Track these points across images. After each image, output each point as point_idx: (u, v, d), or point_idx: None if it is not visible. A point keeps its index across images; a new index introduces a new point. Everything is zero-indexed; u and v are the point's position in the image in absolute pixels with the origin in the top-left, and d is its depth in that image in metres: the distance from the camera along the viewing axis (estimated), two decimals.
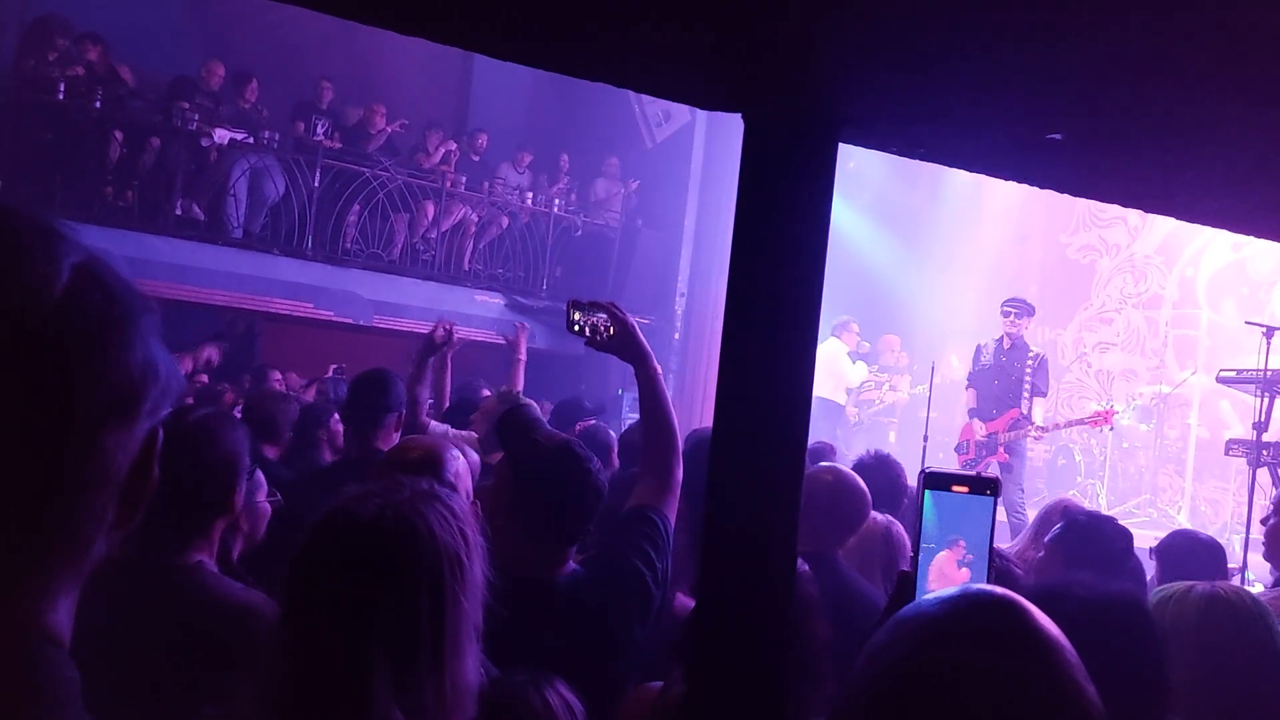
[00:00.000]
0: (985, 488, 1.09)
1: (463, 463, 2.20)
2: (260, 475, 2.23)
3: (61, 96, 8.41)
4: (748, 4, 1.22)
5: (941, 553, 1.06)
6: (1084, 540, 2.65)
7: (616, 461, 4.01)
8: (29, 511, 0.66)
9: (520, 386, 5.18)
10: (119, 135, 8.70)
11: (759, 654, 1.53)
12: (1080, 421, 7.31)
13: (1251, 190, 1.82)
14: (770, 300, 1.63)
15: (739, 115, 1.64)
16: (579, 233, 11.47)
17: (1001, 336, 7.42)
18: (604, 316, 2.38)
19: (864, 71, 1.63)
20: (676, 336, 11.32)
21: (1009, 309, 7.41)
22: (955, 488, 1.08)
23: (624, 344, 2.37)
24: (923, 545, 1.06)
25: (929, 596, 0.83)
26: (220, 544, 1.97)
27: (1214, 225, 2.41)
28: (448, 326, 4.27)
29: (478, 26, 1.41)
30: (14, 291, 0.64)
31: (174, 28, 9.71)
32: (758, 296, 1.63)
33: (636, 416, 9.24)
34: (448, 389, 4.75)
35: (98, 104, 8.54)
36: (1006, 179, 2.05)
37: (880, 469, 3.54)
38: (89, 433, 0.67)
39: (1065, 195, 2.02)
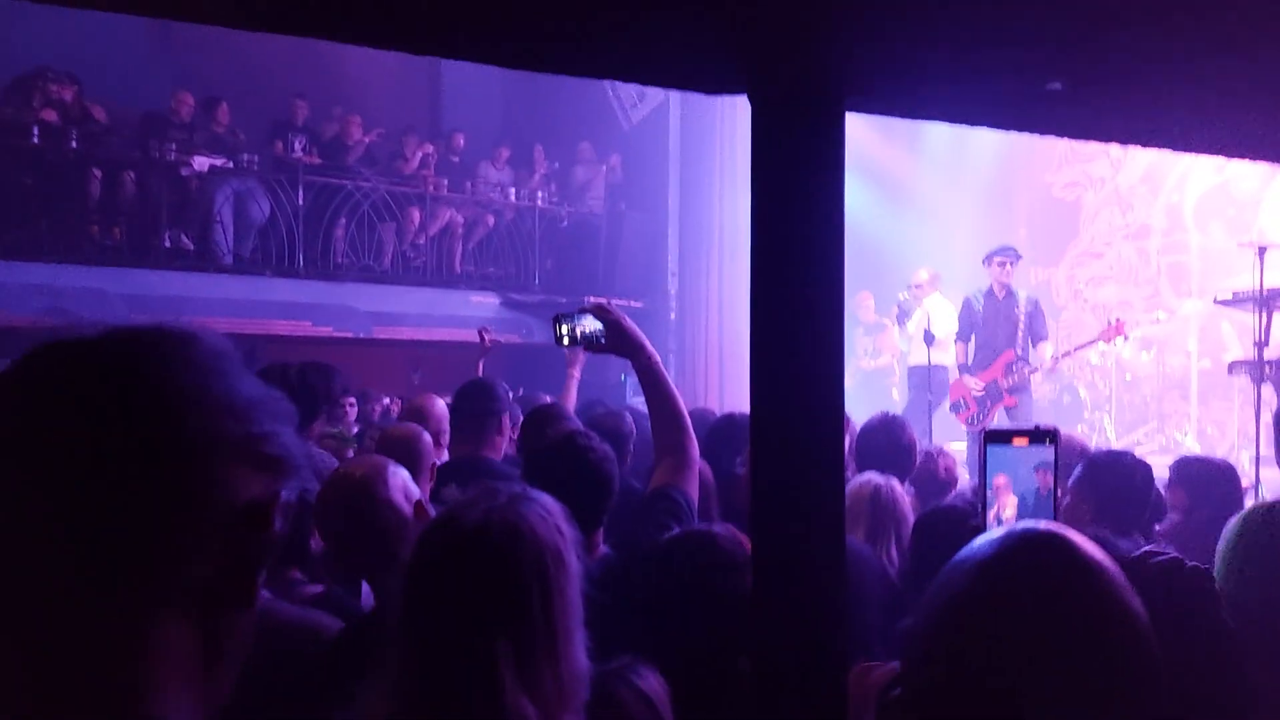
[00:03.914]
0: (1044, 438, 1.14)
1: (404, 475, 2.21)
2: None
3: (36, 140, 8.39)
4: None
5: (1007, 503, 1.10)
6: (1108, 479, 2.70)
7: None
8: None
9: (572, 401, 5.12)
10: (98, 173, 8.69)
11: (819, 623, 1.58)
12: (1092, 341, 7.27)
13: (1245, 118, 1.86)
14: (795, 280, 1.67)
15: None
16: (564, 223, 11.49)
17: (990, 286, 7.44)
18: (590, 320, 2.43)
19: (867, 40, 1.67)
20: (672, 317, 11.35)
21: (996, 258, 7.44)
22: (1015, 441, 1.12)
23: (616, 340, 2.42)
24: (989, 498, 1.11)
25: (979, 539, 0.88)
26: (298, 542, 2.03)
27: (1209, 153, 2.46)
28: (485, 331, 4.80)
29: (474, 38, 1.43)
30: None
31: (140, 61, 9.67)
32: (782, 278, 1.67)
33: (642, 400, 9.29)
34: None
35: (74, 144, 8.53)
36: (1009, 130, 2.10)
37: (885, 431, 3.57)
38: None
39: (1061, 139, 2.06)
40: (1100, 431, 9.10)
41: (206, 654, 0.71)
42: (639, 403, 9.31)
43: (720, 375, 10.69)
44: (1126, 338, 7.26)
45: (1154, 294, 10.34)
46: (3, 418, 0.68)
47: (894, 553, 2.75)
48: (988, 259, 7.52)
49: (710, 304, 10.94)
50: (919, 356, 7.90)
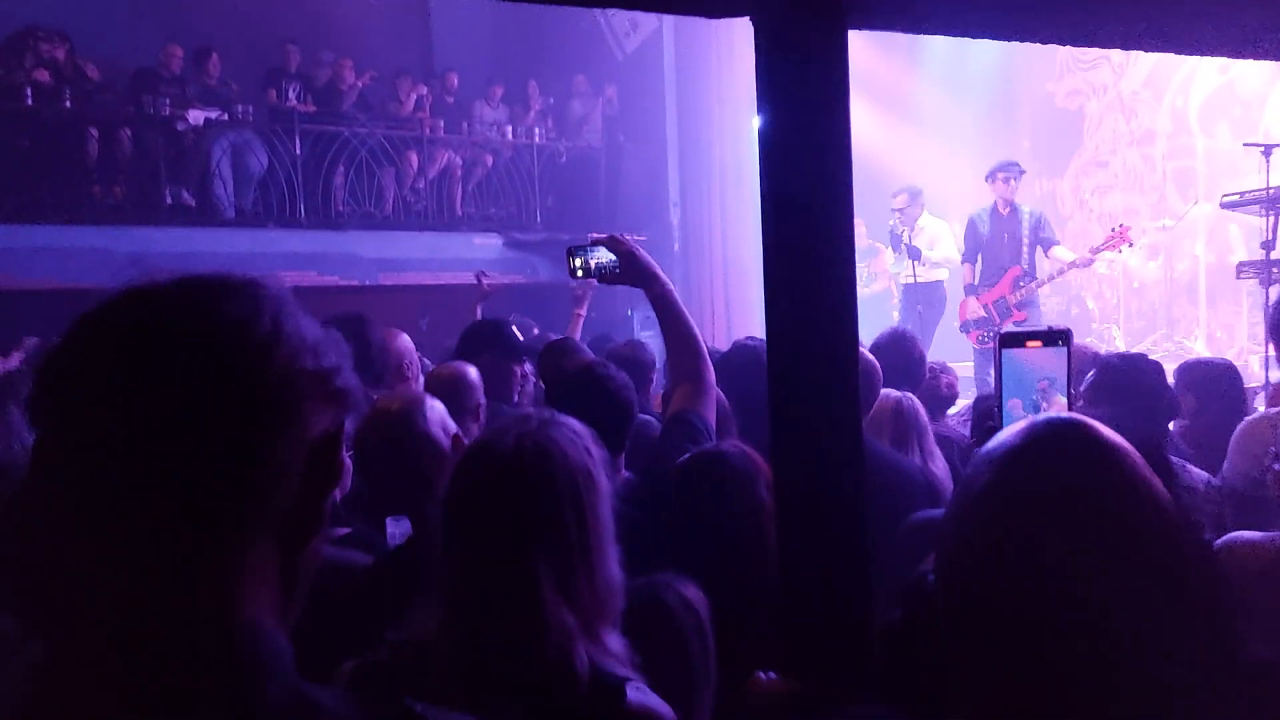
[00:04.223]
0: (1057, 339, 1.17)
1: (441, 409, 2.27)
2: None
3: (30, 101, 8.33)
4: None
5: (1021, 404, 1.14)
6: (1122, 381, 2.74)
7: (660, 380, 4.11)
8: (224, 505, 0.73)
9: (577, 336, 5.20)
10: (94, 132, 8.64)
11: (839, 537, 1.63)
12: (1099, 249, 7.24)
13: (1244, 16, 1.85)
14: (804, 201, 1.69)
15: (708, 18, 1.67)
16: (563, 159, 11.39)
17: (995, 203, 7.40)
18: (602, 252, 2.48)
19: None
20: (676, 248, 11.31)
21: (1000, 174, 7.39)
22: (1029, 344, 1.15)
23: (630, 271, 2.47)
24: (1005, 400, 1.14)
25: (1002, 433, 0.91)
26: None
27: (1210, 54, 2.44)
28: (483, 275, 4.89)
29: None
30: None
31: (126, 15, 9.53)
32: (791, 199, 1.69)
33: (649, 334, 9.25)
34: None
35: (68, 103, 8.47)
36: (1011, 40, 2.09)
37: (896, 346, 3.64)
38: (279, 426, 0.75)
39: (1062, 47, 2.05)
40: (1109, 342, 9.12)
41: (284, 576, 0.77)
42: (646, 337, 9.34)
43: (726, 303, 10.70)
44: (1132, 244, 7.22)
45: (1160, 200, 10.26)
46: (101, 361, 0.73)
47: (917, 460, 2.88)
48: (990, 176, 7.47)
49: (714, 233, 10.90)
50: (923, 274, 7.91)
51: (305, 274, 9.31)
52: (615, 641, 1.38)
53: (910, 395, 3.04)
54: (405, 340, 3.97)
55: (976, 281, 7.47)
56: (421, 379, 3.91)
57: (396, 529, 2.14)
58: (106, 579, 0.72)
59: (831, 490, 1.59)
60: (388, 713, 0.75)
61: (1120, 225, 7.15)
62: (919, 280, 7.89)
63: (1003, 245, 7.30)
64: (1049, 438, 0.86)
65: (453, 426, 2.18)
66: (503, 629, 1.32)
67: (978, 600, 0.84)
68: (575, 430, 1.47)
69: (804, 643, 1.53)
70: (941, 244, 8.09)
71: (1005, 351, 1.15)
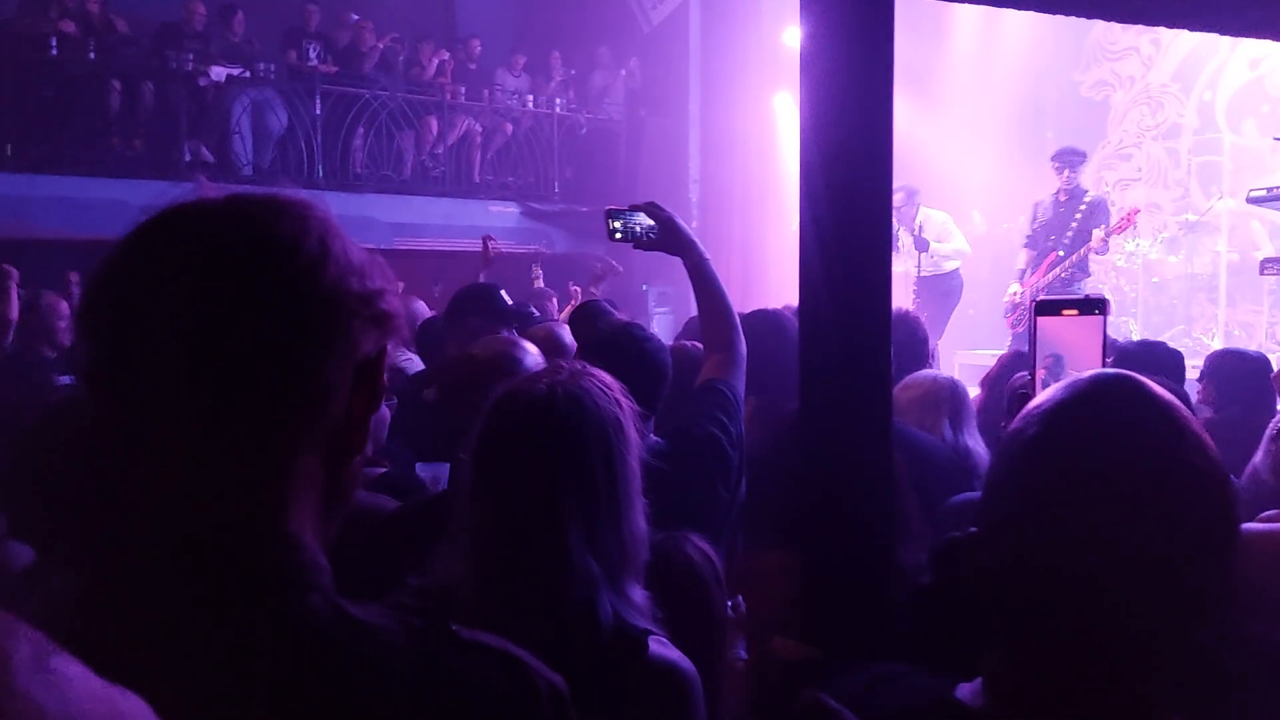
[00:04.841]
0: (1093, 308, 1.16)
1: (537, 354, 2.29)
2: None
3: (55, 52, 8.32)
4: None
5: (1056, 374, 1.13)
6: (1137, 369, 2.71)
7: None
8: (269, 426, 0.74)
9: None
10: (117, 85, 8.63)
11: (866, 507, 1.62)
12: (1111, 232, 7.21)
13: None
14: (845, 172, 1.67)
15: None
16: (584, 130, 11.34)
17: (1058, 190, 7.41)
18: (642, 217, 2.48)
19: None
20: (694, 225, 11.26)
21: (1053, 161, 7.41)
22: (1065, 312, 1.14)
23: (668, 238, 2.48)
24: (1038, 369, 1.13)
25: (1053, 386, 0.90)
26: None
27: (1255, 36, 2.40)
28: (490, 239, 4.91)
29: None
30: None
31: None
32: (831, 171, 1.67)
33: (663, 310, 9.26)
34: None
35: (92, 55, 8.46)
36: (1048, 11, 2.06)
37: (901, 327, 3.63)
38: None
39: (1080, 26, 2.03)
40: (1125, 336, 9.08)
41: (326, 494, 0.78)
42: (660, 312, 9.30)
43: (744, 281, 10.67)
44: (1136, 226, 7.21)
45: (1184, 196, 10.18)
46: (150, 276, 0.73)
47: (973, 444, 2.91)
48: (1051, 162, 7.51)
49: (733, 210, 10.84)
50: (928, 268, 7.90)
51: None
52: (638, 594, 1.38)
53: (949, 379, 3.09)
54: (420, 306, 4.01)
55: (1026, 268, 7.49)
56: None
57: (427, 473, 2.15)
58: (153, 491, 0.73)
59: (860, 465, 1.59)
60: (425, 630, 0.75)
61: (1131, 209, 7.15)
62: (929, 273, 7.89)
63: (1051, 232, 7.34)
64: (1098, 390, 0.85)
65: None
66: (527, 575, 1.32)
67: (1020, 553, 0.83)
68: (606, 382, 1.47)
69: (825, 611, 1.53)
70: (951, 237, 8.09)
71: (1040, 320, 1.14)
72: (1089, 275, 7.36)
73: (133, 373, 0.72)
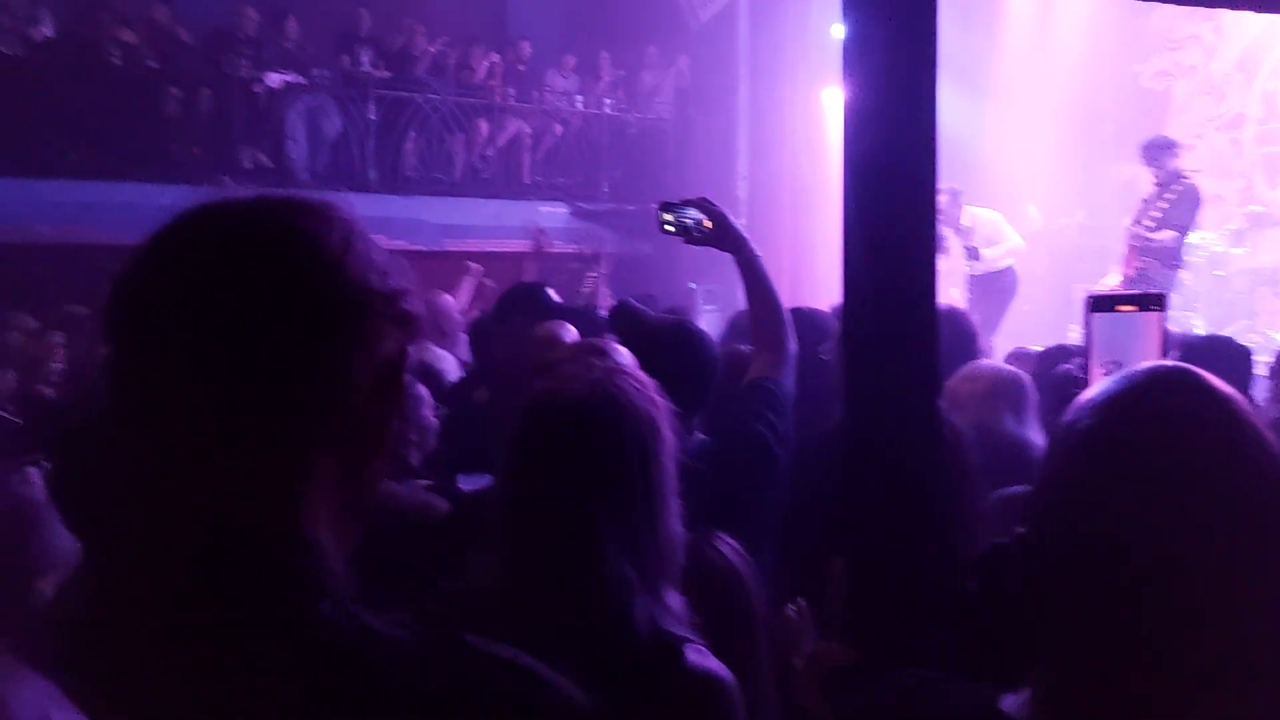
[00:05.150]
0: (1151, 303, 1.12)
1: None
2: (424, 390, 2.36)
3: (116, 60, 8.53)
4: None
5: (1111, 370, 1.09)
6: (1205, 365, 2.63)
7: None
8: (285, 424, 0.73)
9: (600, 299, 5.26)
10: (175, 91, 8.83)
11: (914, 515, 1.59)
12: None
13: None
14: (888, 167, 1.64)
15: None
16: (633, 130, 11.34)
17: (1155, 179, 7.33)
18: (695, 212, 2.48)
19: None
20: (743, 221, 11.18)
21: (1141, 156, 7.35)
22: (1120, 308, 1.11)
23: (720, 234, 2.47)
24: (1093, 366, 1.10)
25: (1103, 380, 0.86)
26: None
27: None
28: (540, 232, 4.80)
29: None
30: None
31: None
32: (875, 166, 1.64)
33: (711, 308, 9.24)
34: None
35: (150, 63, 8.66)
36: None
37: (949, 322, 3.55)
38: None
39: (1139, 15, 1.96)
40: (1189, 330, 8.84)
41: (345, 498, 0.77)
42: (708, 310, 9.28)
43: (792, 279, 10.58)
44: None
45: (1247, 187, 9.88)
46: (170, 271, 0.73)
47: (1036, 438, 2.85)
48: (1140, 156, 7.46)
49: (781, 207, 10.76)
50: (980, 265, 7.79)
51: (374, 237, 9.43)
52: (675, 600, 1.35)
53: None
54: (447, 300, 4.12)
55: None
56: (463, 338, 4.06)
57: (468, 485, 2.16)
58: (165, 490, 0.72)
59: (904, 466, 1.55)
60: (439, 641, 0.74)
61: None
62: (981, 270, 7.78)
63: (1147, 218, 7.24)
64: (1154, 382, 0.81)
65: None
66: (562, 579, 1.30)
67: (1071, 552, 0.80)
68: (641, 380, 1.43)
69: (867, 612, 1.50)
70: (1002, 237, 7.97)
71: (1095, 316, 1.10)
72: (1180, 266, 7.22)
73: (146, 368, 0.72)
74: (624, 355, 2.21)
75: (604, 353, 2.07)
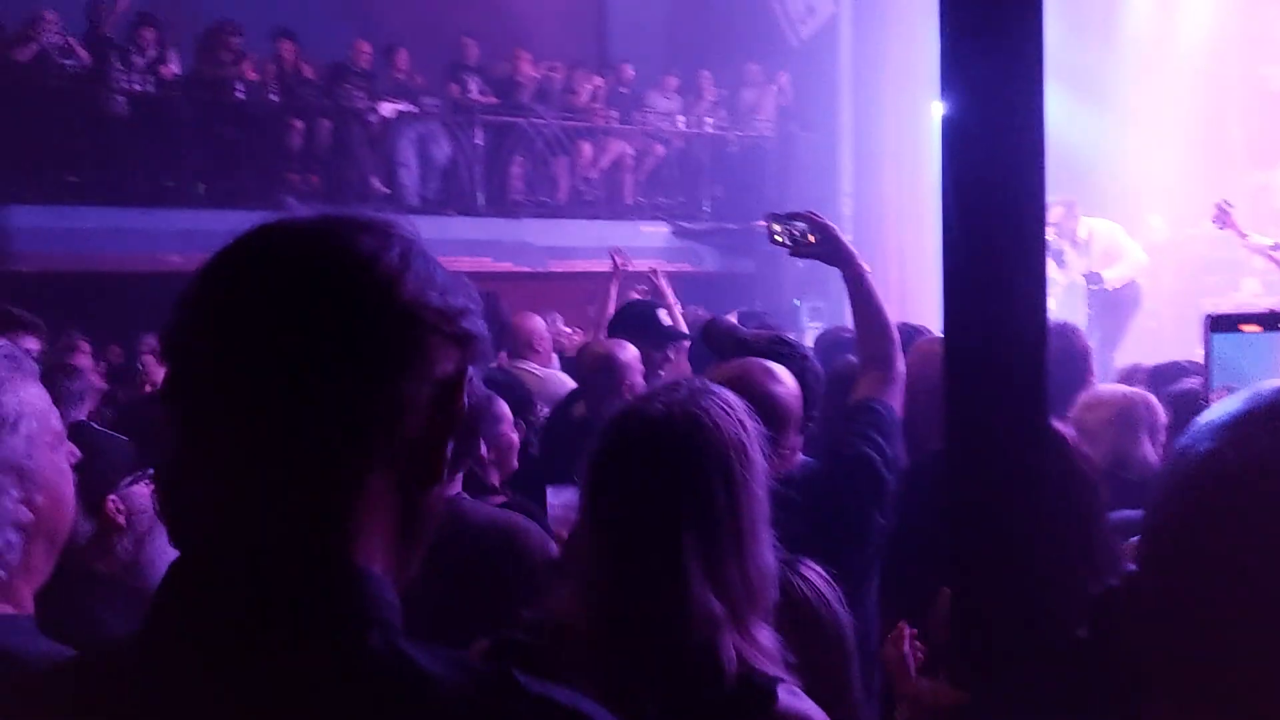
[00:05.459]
0: (1278, 323, 1.04)
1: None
2: (504, 408, 2.37)
3: (240, 94, 8.96)
4: None
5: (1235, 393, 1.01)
6: None
7: None
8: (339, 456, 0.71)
9: (680, 321, 5.23)
10: (297, 124, 9.23)
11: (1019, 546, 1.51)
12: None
13: None
14: (992, 181, 1.57)
15: None
16: (733, 148, 11.34)
17: None
18: (803, 225, 2.48)
19: None
20: (849, 238, 11.02)
21: None
22: (1244, 327, 1.03)
23: (827, 248, 2.45)
24: (1214, 390, 1.02)
25: (1221, 402, 0.79)
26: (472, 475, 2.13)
27: None
28: (616, 253, 5.08)
29: None
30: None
31: (319, 14, 10.12)
32: (978, 179, 1.58)
33: (816, 326, 9.10)
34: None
35: (272, 96, 9.08)
36: None
37: (1060, 337, 3.40)
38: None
39: (1266, 16, 1.83)
40: None
41: (402, 527, 0.75)
42: (813, 328, 9.14)
43: (900, 296, 10.36)
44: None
45: None
46: (227, 293, 0.73)
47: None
48: None
49: (886, 224, 10.58)
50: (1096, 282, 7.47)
51: (480, 260, 9.64)
52: (766, 636, 1.26)
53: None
54: (538, 320, 4.21)
55: None
56: (556, 357, 4.27)
57: (557, 498, 2.15)
58: (217, 512, 0.71)
59: (1013, 491, 1.48)
60: (489, 680, 0.71)
61: None
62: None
63: None
64: (1276, 404, 0.73)
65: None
66: (643, 613, 1.23)
67: (1186, 590, 0.72)
68: (728, 401, 1.35)
69: (975, 652, 1.43)
70: (1121, 251, 7.57)
71: (1215, 336, 1.02)
72: None
73: (195, 390, 0.71)
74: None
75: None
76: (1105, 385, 3.00)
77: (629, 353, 3.18)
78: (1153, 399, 2.82)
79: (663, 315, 3.94)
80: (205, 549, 0.72)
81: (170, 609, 0.71)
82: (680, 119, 11.21)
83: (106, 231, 8.49)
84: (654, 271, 5.37)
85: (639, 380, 3.07)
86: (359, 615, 0.69)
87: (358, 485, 0.71)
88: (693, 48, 11.71)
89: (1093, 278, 7.22)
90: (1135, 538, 2.22)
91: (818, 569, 1.51)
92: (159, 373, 5.81)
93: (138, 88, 8.75)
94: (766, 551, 1.30)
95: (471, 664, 0.72)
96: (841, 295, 2.45)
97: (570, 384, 3.93)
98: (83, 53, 8.62)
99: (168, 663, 0.69)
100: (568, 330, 6.92)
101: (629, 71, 11.26)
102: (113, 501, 1.74)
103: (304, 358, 0.69)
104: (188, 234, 8.58)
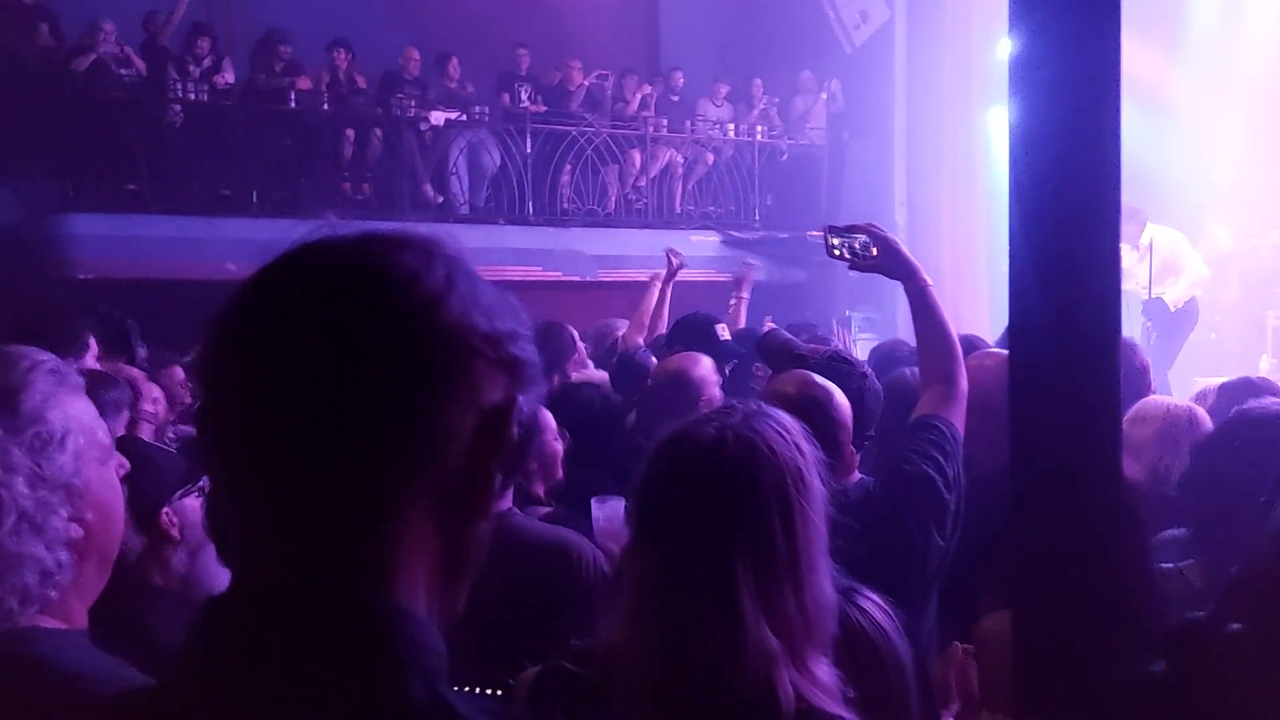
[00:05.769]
0: None
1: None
2: (548, 417, 2.35)
3: (294, 104, 9.09)
4: None
5: None
6: None
7: None
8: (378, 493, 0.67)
9: (741, 323, 5.24)
10: (350, 133, 9.34)
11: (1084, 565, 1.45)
12: None
13: None
14: (1063, 182, 1.51)
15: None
16: (785, 157, 11.26)
17: None
18: (863, 238, 2.43)
19: None
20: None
21: None
22: None
23: (889, 261, 2.40)
24: None
25: None
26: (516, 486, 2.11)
27: None
28: (673, 253, 5.01)
29: None
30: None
31: (375, 22, 10.25)
32: (1047, 180, 1.52)
33: (868, 337, 9.02)
34: (664, 320, 4.93)
35: (325, 106, 9.20)
36: None
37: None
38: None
39: None
40: None
41: (445, 562, 0.71)
42: (865, 339, 9.07)
43: (955, 307, 10.22)
44: None
45: None
46: (262, 313, 0.70)
47: None
48: None
49: (941, 233, 10.42)
50: (1158, 289, 7.27)
51: (531, 269, 9.68)
52: (825, 671, 1.20)
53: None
54: (569, 330, 4.24)
55: None
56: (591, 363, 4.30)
57: (601, 511, 2.11)
58: (250, 547, 0.68)
59: (1082, 515, 1.41)
60: None
61: None
62: (1159, 293, 7.26)
63: None
64: None
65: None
66: (695, 646, 1.18)
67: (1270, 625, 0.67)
68: (784, 425, 1.29)
69: (1037, 684, 1.37)
70: (1184, 261, 7.40)
71: None
72: None
73: (229, 415, 0.68)
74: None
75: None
76: (1151, 398, 2.89)
77: (703, 366, 3.08)
78: (1198, 412, 2.71)
79: (721, 330, 3.88)
80: (239, 586, 0.69)
81: (201, 657, 0.68)
82: (731, 127, 11.17)
83: (164, 240, 8.66)
84: (749, 267, 5.49)
85: (716, 393, 3.00)
86: (399, 662, 0.65)
87: (398, 518, 0.68)
88: (744, 55, 11.66)
89: (1154, 304, 7.04)
90: (1188, 561, 2.13)
91: (876, 598, 1.45)
92: None
93: (193, 97, 8.92)
94: (824, 582, 1.24)
95: (512, 716, 0.68)
96: (895, 307, 2.40)
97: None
98: (139, 62, 8.80)
99: (198, 716, 0.66)
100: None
101: (680, 79, 11.24)
102: (166, 514, 1.74)
103: (338, 383, 0.66)
104: (243, 243, 8.72)
